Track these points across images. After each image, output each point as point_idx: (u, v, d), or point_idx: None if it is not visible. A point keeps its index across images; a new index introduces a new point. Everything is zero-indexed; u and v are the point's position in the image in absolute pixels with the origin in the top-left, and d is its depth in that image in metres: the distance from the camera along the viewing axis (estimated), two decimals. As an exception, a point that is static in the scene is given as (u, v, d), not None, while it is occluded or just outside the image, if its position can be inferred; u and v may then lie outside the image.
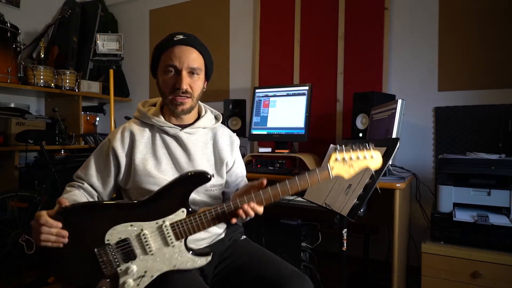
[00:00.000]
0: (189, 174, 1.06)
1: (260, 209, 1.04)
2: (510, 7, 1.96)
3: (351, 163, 1.05)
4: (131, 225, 1.03)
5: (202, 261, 1.06)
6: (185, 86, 1.14)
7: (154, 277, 1.03)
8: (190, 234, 1.04)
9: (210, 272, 1.16)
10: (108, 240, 1.01)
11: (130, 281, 1.02)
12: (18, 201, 2.33)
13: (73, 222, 1.00)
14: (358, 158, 1.05)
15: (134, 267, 1.02)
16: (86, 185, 1.21)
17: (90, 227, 1.02)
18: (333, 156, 1.05)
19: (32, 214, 2.21)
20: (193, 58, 1.15)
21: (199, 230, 1.04)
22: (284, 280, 1.05)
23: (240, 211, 1.01)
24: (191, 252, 1.05)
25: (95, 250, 1.01)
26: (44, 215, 0.97)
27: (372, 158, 1.05)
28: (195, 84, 1.17)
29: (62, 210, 0.99)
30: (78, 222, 1.01)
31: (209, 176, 1.04)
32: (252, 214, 1.03)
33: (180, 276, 1.04)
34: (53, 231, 0.97)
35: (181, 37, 1.16)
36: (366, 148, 1.06)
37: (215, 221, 1.04)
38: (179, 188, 1.05)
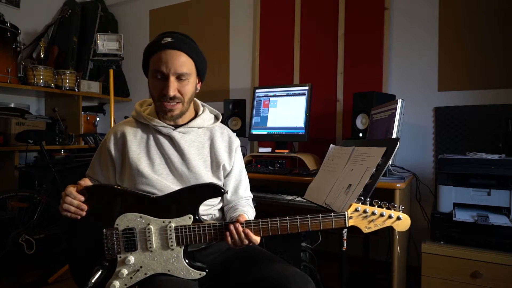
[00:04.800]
0: (203, 184, 1.13)
1: (258, 239, 1.04)
2: (510, 7, 1.96)
3: (372, 219, 1.02)
4: (141, 217, 1.06)
5: (195, 274, 1.06)
6: (172, 92, 1.10)
7: (147, 275, 1.05)
8: (191, 242, 1.05)
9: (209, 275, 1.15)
10: (117, 225, 1.06)
11: (125, 272, 1.04)
12: (18, 201, 2.33)
13: (93, 200, 1.09)
14: (381, 215, 1.02)
15: (132, 258, 1.05)
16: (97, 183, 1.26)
17: (106, 208, 1.09)
18: (354, 206, 1.03)
19: (32, 214, 2.21)
20: (180, 63, 1.10)
21: (200, 241, 1.06)
22: (288, 280, 1.04)
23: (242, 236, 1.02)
24: (187, 261, 1.06)
25: (104, 230, 1.06)
26: (71, 187, 1.09)
27: (398, 220, 1.03)
28: (184, 88, 1.13)
29: (87, 186, 1.09)
30: (98, 201, 1.09)
31: (222, 191, 1.09)
32: (246, 242, 1.03)
33: (172, 279, 1.04)
34: (75, 203, 1.06)
35: (168, 39, 1.10)
36: (394, 208, 1.03)
37: (218, 236, 1.05)
38: (192, 195, 1.09)
